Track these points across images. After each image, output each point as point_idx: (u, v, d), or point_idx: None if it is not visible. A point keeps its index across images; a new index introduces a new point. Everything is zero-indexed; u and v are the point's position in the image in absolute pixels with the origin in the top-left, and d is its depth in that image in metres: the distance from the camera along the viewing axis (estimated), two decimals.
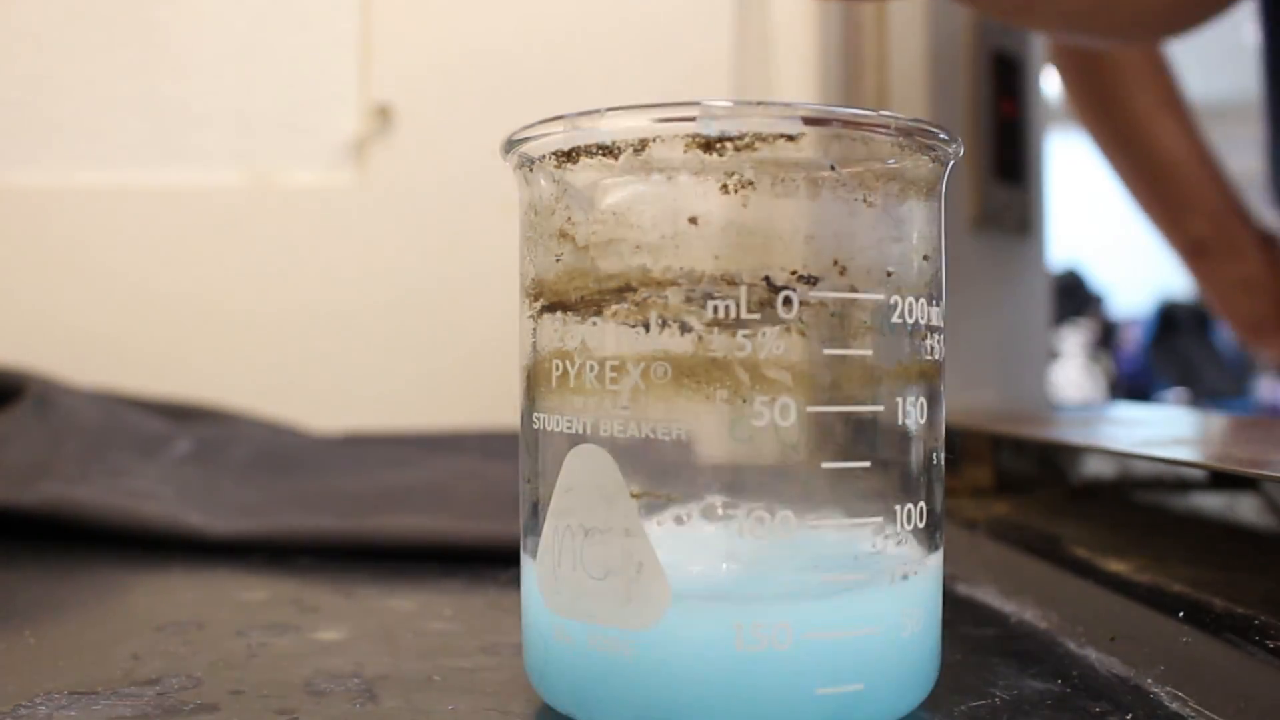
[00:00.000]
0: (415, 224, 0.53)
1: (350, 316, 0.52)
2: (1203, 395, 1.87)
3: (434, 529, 0.29)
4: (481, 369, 0.51)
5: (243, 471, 0.38)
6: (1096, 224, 2.44)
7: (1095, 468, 0.34)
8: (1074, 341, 1.82)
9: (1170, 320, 2.03)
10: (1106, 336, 2.05)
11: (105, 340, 0.50)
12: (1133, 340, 2.09)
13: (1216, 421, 0.42)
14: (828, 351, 0.14)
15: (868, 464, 0.15)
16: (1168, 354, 1.99)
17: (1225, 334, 2.01)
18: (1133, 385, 1.97)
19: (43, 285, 0.51)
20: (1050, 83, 0.53)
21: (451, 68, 0.53)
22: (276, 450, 0.40)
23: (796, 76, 0.52)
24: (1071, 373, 1.75)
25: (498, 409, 0.48)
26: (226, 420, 0.45)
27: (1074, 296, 1.98)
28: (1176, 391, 1.92)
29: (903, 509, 0.15)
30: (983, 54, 0.44)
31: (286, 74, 0.52)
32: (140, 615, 0.24)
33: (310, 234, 0.52)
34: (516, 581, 0.26)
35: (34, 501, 0.31)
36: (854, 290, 0.15)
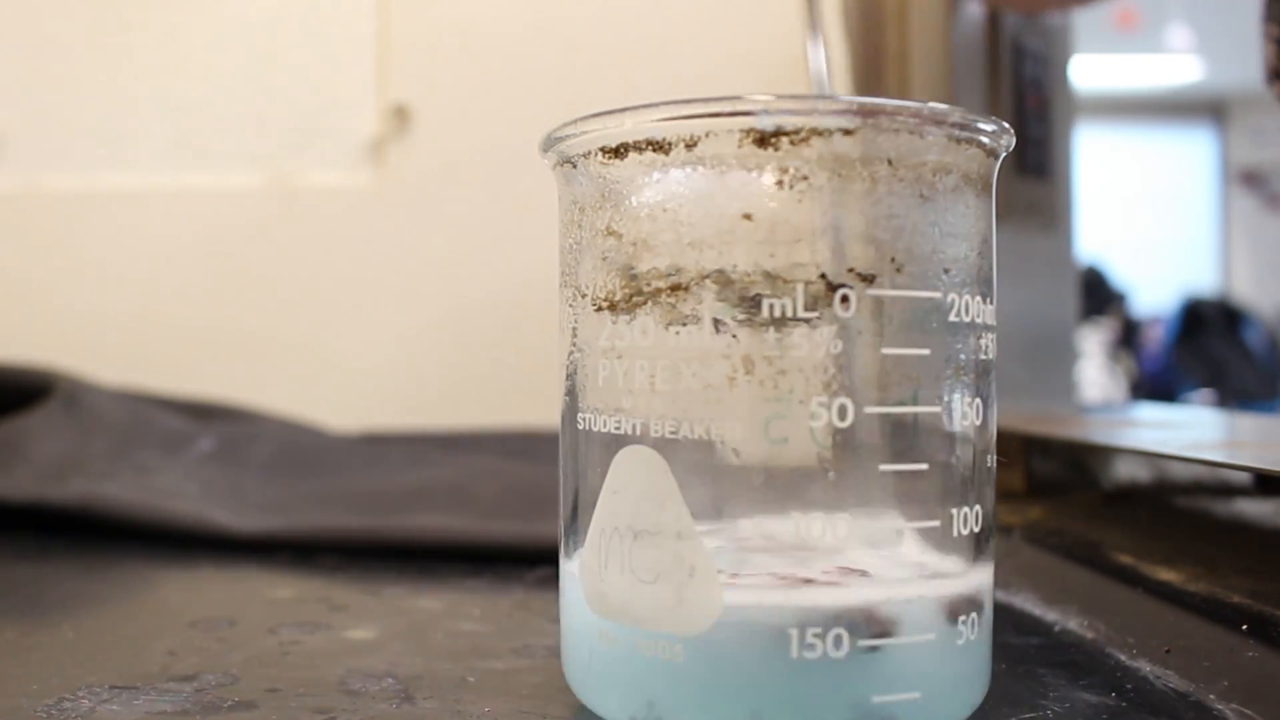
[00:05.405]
0: (434, 224, 0.52)
1: (370, 316, 0.52)
2: (1231, 397, 1.83)
3: (458, 529, 0.29)
4: (501, 368, 0.51)
5: (265, 469, 0.37)
6: (1120, 219, 2.40)
7: (1129, 471, 0.33)
8: (1094, 340, 1.80)
9: (1196, 318, 1.99)
10: (1128, 335, 2.02)
11: (129, 340, 0.51)
12: (1155, 339, 2.05)
13: (1253, 423, 0.41)
14: (885, 351, 0.14)
15: (925, 466, 0.14)
16: (1194, 353, 1.96)
17: (1255, 333, 1.96)
18: (1156, 386, 1.94)
19: (69, 286, 0.51)
20: (1079, 75, 0.52)
21: (469, 67, 0.52)
22: (297, 448, 0.40)
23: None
24: (1091, 372, 1.72)
25: (518, 408, 0.48)
26: (247, 418, 0.45)
27: (1095, 294, 1.95)
28: (1203, 393, 1.88)
29: (959, 513, 0.15)
30: (1006, 46, 0.44)
31: (305, 76, 0.52)
32: (173, 611, 0.24)
33: (329, 235, 0.52)
34: (543, 582, 0.26)
35: (66, 497, 0.31)
36: (912, 288, 0.14)
